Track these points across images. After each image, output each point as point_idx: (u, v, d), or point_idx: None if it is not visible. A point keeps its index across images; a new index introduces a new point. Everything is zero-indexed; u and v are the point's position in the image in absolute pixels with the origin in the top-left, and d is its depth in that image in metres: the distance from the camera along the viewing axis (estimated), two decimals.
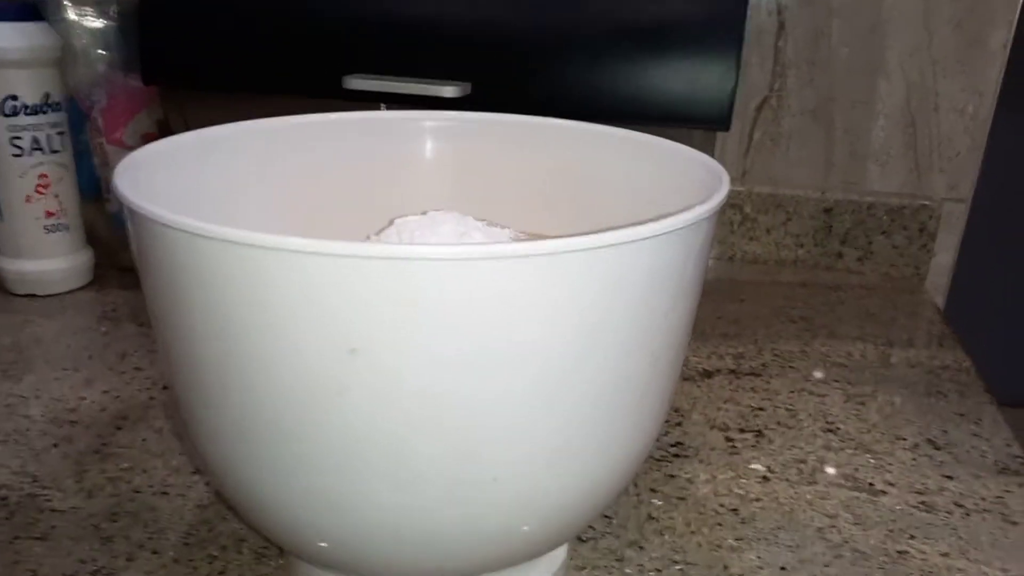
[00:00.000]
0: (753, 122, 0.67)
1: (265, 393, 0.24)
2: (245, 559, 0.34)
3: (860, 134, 0.66)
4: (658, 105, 0.49)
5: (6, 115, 0.54)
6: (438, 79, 0.51)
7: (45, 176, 0.56)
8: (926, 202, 0.65)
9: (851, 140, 0.66)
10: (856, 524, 0.37)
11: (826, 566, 0.35)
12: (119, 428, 0.42)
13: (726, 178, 0.29)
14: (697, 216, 0.25)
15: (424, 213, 0.35)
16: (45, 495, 0.37)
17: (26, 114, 0.54)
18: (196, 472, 0.39)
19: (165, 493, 0.38)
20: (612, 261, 0.23)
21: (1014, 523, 0.38)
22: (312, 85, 0.54)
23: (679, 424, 0.45)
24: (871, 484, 0.40)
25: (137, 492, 0.38)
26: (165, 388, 0.46)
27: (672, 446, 0.43)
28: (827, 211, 0.67)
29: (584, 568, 0.34)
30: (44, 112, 0.55)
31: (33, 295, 0.57)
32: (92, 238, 0.61)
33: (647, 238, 0.23)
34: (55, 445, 0.41)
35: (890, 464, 0.42)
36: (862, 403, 0.48)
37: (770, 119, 0.67)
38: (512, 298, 0.22)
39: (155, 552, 0.34)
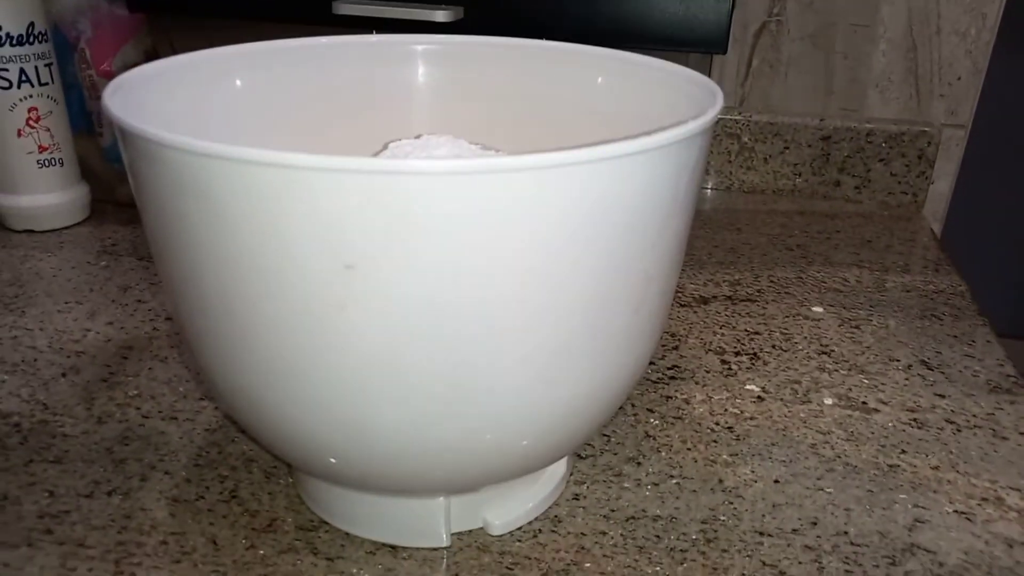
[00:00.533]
0: (752, 48, 0.66)
1: (268, 312, 0.25)
2: (255, 477, 0.35)
3: (861, 59, 0.65)
4: (653, 28, 0.49)
5: None
6: (430, 3, 0.50)
7: (35, 109, 0.55)
8: (925, 128, 0.65)
9: (851, 66, 0.65)
10: (848, 440, 0.38)
11: (818, 479, 0.36)
12: (125, 358, 0.43)
13: (719, 95, 0.29)
14: (689, 131, 0.25)
15: (418, 137, 0.34)
16: (56, 421, 0.38)
17: (11, 45, 0.53)
18: (203, 398, 0.40)
19: (174, 418, 0.38)
20: (604, 175, 0.23)
21: (1004, 438, 0.39)
22: (301, 10, 0.53)
23: (676, 348, 0.46)
24: (864, 403, 0.41)
25: (146, 418, 0.38)
26: (168, 319, 0.47)
27: (669, 369, 0.44)
28: (825, 139, 0.66)
29: (584, 483, 0.35)
30: (29, 43, 0.54)
31: (31, 231, 0.57)
32: (86, 173, 0.60)
33: (640, 152, 0.23)
34: (63, 375, 0.42)
35: (883, 384, 0.43)
36: (856, 327, 0.48)
37: (769, 45, 0.66)
38: (504, 212, 0.22)
39: (167, 473, 0.35)
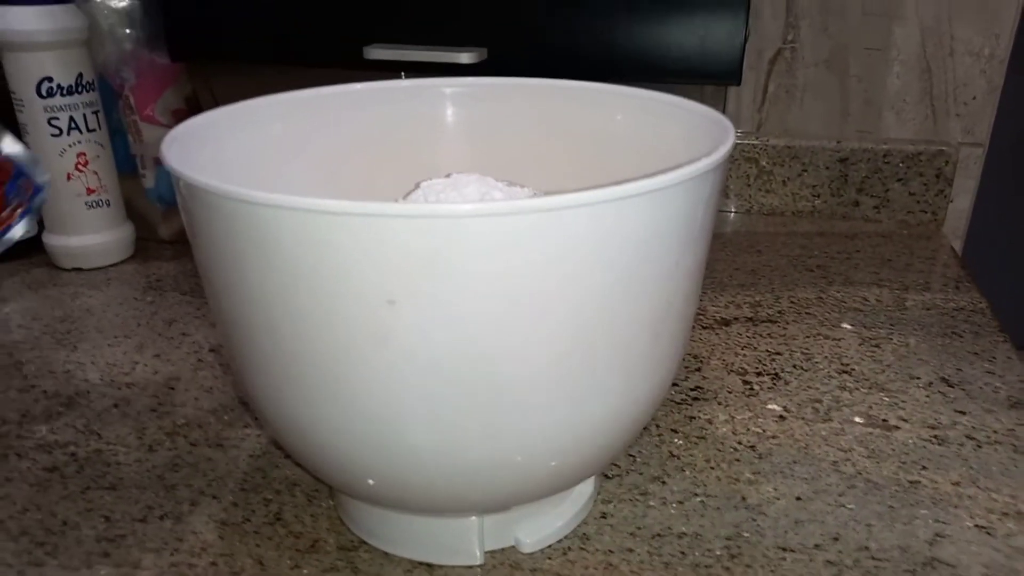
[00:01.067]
0: (767, 74, 0.68)
1: (314, 345, 0.27)
2: (298, 500, 0.37)
3: (875, 82, 0.66)
4: (669, 62, 0.51)
5: (42, 97, 0.56)
6: (455, 46, 0.53)
7: (83, 155, 0.59)
8: (943, 147, 0.66)
9: (866, 88, 0.66)
10: (869, 457, 0.39)
11: (840, 495, 0.37)
12: (172, 389, 0.45)
13: (731, 131, 0.30)
14: (703, 168, 0.26)
15: (448, 176, 0.36)
16: (110, 450, 0.40)
17: (61, 95, 0.57)
18: (247, 426, 0.42)
19: (220, 446, 0.41)
20: (625, 212, 0.25)
21: None
22: (333, 55, 0.56)
23: (698, 370, 0.47)
24: (885, 420, 0.42)
25: (194, 445, 0.41)
26: (212, 351, 0.49)
27: (692, 390, 0.45)
28: (843, 160, 0.67)
29: (611, 502, 0.37)
30: (78, 92, 0.57)
31: (79, 268, 0.60)
32: (130, 212, 0.64)
33: (654, 191, 0.25)
34: (115, 406, 0.44)
35: (904, 401, 0.44)
36: (877, 345, 0.49)
37: (784, 70, 0.67)
38: (528, 248, 0.24)
39: (215, 497, 0.37)
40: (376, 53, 0.51)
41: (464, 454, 0.29)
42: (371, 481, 0.30)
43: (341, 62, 0.54)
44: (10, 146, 0.41)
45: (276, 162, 0.36)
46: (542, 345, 0.26)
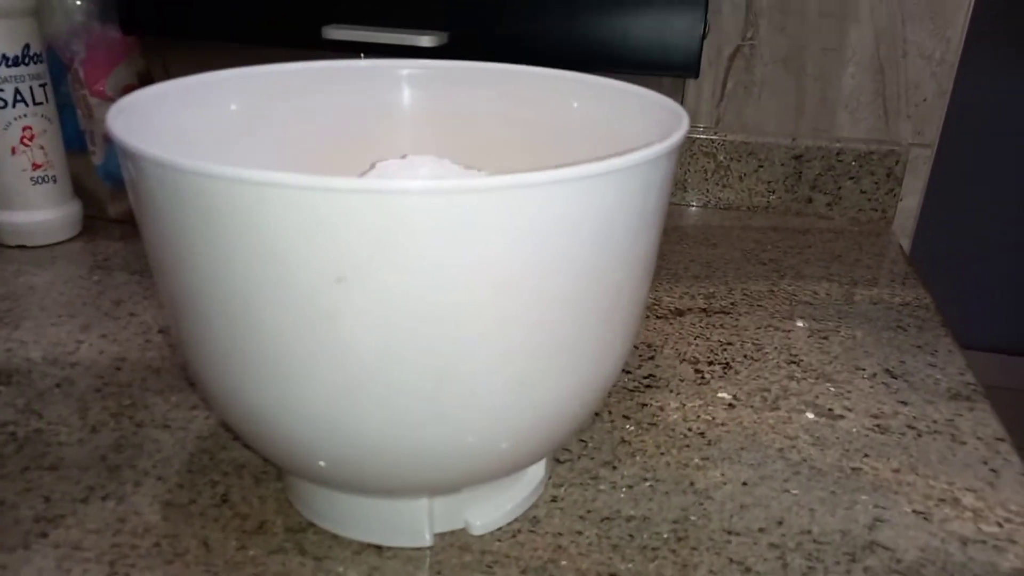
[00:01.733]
0: (726, 71, 0.69)
1: (262, 322, 0.26)
2: (246, 483, 0.36)
3: (830, 81, 0.67)
4: (629, 53, 0.51)
5: None
6: (416, 29, 0.52)
7: (29, 128, 0.57)
8: (894, 147, 0.67)
9: (821, 87, 0.68)
10: (814, 445, 0.40)
11: (785, 481, 0.38)
12: (118, 369, 0.44)
13: (685, 118, 0.31)
14: (655, 153, 0.27)
15: (404, 157, 0.36)
16: (51, 430, 0.39)
17: (7, 66, 0.55)
18: (195, 408, 0.41)
19: (167, 427, 0.40)
20: (576, 193, 0.25)
21: (962, 443, 0.41)
22: (292, 35, 0.55)
23: (651, 358, 0.47)
24: (830, 410, 0.43)
25: (139, 426, 0.40)
26: (161, 332, 0.48)
27: (645, 378, 0.45)
28: (797, 158, 0.69)
29: (562, 486, 0.37)
30: (24, 64, 0.56)
31: (23, 246, 0.58)
32: (78, 190, 0.62)
33: (609, 172, 0.25)
34: (57, 385, 0.43)
35: (849, 392, 0.45)
36: (825, 337, 0.50)
37: (743, 68, 0.68)
38: (481, 228, 0.24)
39: (160, 478, 0.36)
40: (335, 33, 0.50)
41: (414, 435, 0.28)
42: (322, 463, 0.30)
43: (299, 42, 0.53)
44: None
45: (228, 138, 0.35)
46: (492, 327, 0.26)
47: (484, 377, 0.27)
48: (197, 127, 0.34)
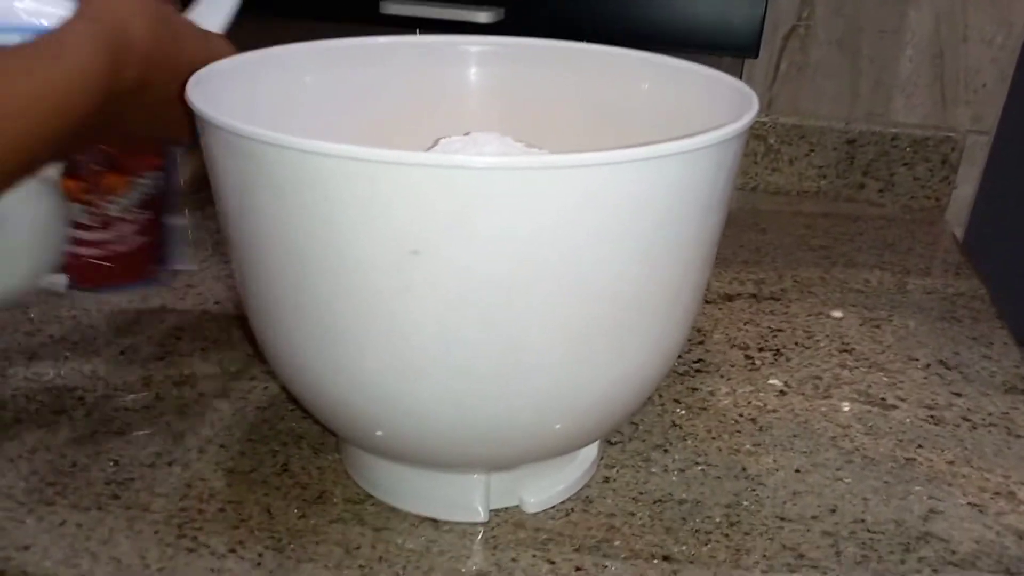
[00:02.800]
0: (780, 52, 0.67)
1: (334, 292, 0.27)
2: (304, 452, 0.37)
3: (887, 64, 0.66)
4: (687, 31, 0.50)
5: None
6: (472, 4, 0.52)
7: None
8: (950, 134, 0.66)
9: (877, 70, 0.66)
10: (867, 434, 0.40)
11: (838, 469, 0.38)
12: (178, 339, 0.46)
13: (755, 100, 0.30)
14: (728, 134, 0.27)
15: (467, 134, 0.36)
16: (118, 396, 0.40)
17: None
18: (253, 379, 0.42)
19: (227, 396, 0.41)
20: (648, 174, 0.25)
21: (1018, 436, 0.40)
22: (348, 9, 0.55)
23: (701, 343, 0.47)
24: (883, 399, 0.43)
25: (202, 395, 0.41)
26: (217, 303, 0.49)
27: (695, 362, 0.45)
28: (850, 142, 0.68)
29: (614, 467, 0.37)
30: None
31: None
32: None
33: (681, 153, 0.25)
34: (121, 353, 0.44)
35: (902, 382, 0.45)
36: (877, 326, 0.50)
37: (797, 48, 0.67)
38: (552, 206, 0.24)
39: (222, 446, 0.37)
40: (393, 8, 0.50)
41: (474, 409, 0.29)
42: (379, 432, 0.31)
43: (357, 16, 0.54)
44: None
45: (297, 112, 0.36)
46: (558, 305, 0.27)
47: (546, 356, 0.28)
48: (271, 99, 0.34)
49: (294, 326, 0.29)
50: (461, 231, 0.24)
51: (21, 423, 0.38)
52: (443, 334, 0.26)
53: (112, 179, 0.39)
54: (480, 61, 0.39)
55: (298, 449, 0.37)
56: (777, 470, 0.37)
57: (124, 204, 0.39)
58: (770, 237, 0.62)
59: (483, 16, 0.49)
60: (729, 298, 0.53)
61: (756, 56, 0.50)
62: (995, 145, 0.67)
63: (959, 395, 0.44)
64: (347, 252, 0.25)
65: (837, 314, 0.51)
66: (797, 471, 0.37)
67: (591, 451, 0.36)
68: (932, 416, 0.42)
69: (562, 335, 0.27)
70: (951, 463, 0.39)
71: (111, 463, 0.36)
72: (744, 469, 0.37)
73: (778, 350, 0.47)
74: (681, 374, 0.44)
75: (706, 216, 0.28)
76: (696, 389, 0.43)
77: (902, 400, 0.43)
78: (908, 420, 0.41)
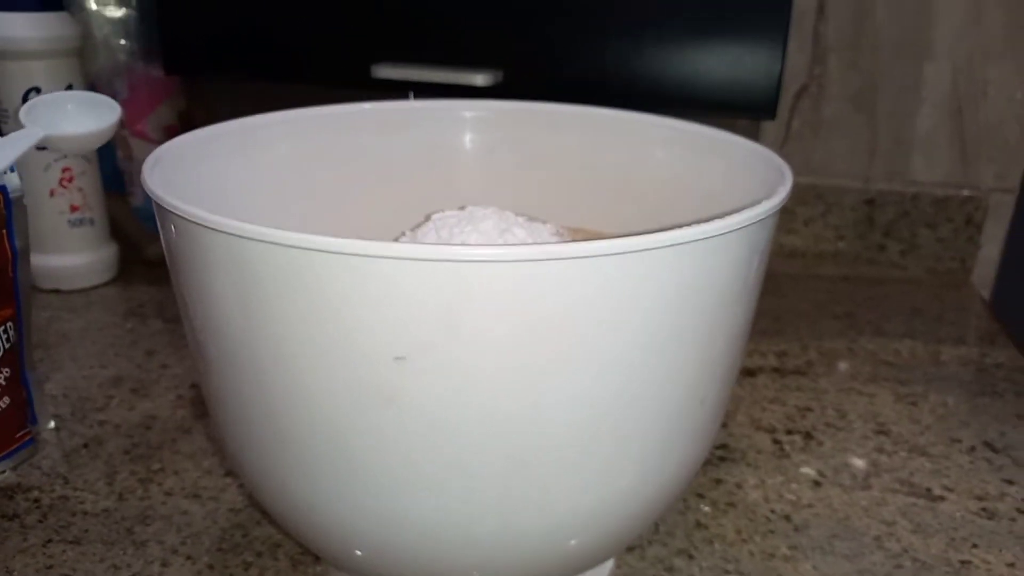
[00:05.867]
0: (791, 110, 0.65)
1: (307, 401, 0.23)
2: (281, 565, 0.33)
3: (904, 121, 0.63)
4: (699, 92, 0.48)
5: None
6: (468, 66, 0.50)
7: (68, 170, 0.55)
8: (973, 192, 0.63)
9: (895, 127, 0.64)
10: (915, 532, 0.36)
11: None
12: (148, 428, 0.41)
13: (788, 172, 0.27)
14: (763, 212, 0.23)
15: (463, 208, 0.33)
16: (77, 497, 0.36)
17: None
18: (228, 474, 0.38)
19: (197, 496, 0.37)
20: (674, 261, 0.22)
21: None
22: (339, 73, 0.53)
23: (724, 426, 0.43)
24: (928, 489, 0.39)
25: (169, 495, 0.37)
26: (193, 387, 0.45)
27: (718, 449, 0.41)
28: (869, 202, 0.64)
29: None
30: None
31: (58, 290, 0.56)
32: (116, 232, 0.60)
33: (713, 236, 0.22)
34: (85, 446, 0.40)
35: (947, 468, 0.40)
36: (914, 403, 0.46)
37: (809, 107, 0.64)
38: (558, 301, 0.21)
39: (189, 558, 0.33)
40: (385, 72, 0.48)
41: (472, 529, 0.25)
42: (358, 552, 0.27)
43: (347, 81, 0.51)
44: None
45: (274, 186, 0.32)
46: (570, 409, 0.23)
47: (557, 465, 0.24)
48: (240, 175, 0.31)
49: (261, 431, 0.25)
50: (453, 332, 0.20)
51: None
52: (435, 452, 0.22)
53: None
54: (476, 127, 0.36)
55: (274, 560, 0.33)
56: None
57: None
58: (790, 303, 0.58)
59: (480, 79, 0.47)
60: (751, 373, 0.49)
61: (773, 117, 0.47)
62: (1020, 203, 0.64)
63: (1011, 483, 0.39)
64: (323, 356, 0.22)
65: (871, 386, 0.47)
66: None
67: (605, 563, 0.32)
68: (984, 509, 0.37)
69: (575, 445, 0.23)
70: (1011, 565, 0.34)
71: None
72: None
73: (808, 433, 0.43)
74: (704, 464, 0.40)
75: (737, 304, 0.25)
76: (721, 481, 0.39)
77: (949, 490, 0.39)
78: (959, 514, 0.37)
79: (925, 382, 0.48)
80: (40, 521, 0.35)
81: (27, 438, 0.38)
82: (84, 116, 0.35)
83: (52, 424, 0.41)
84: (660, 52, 0.47)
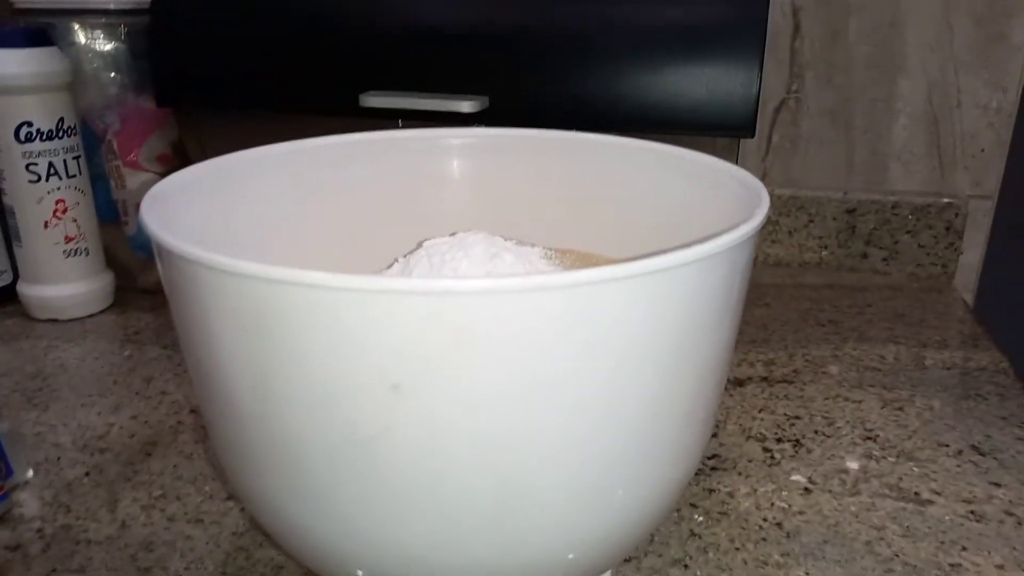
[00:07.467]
0: (771, 124, 0.66)
1: (304, 431, 0.24)
2: None
3: (881, 133, 0.65)
4: (680, 113, 0.49)
5: (21, 142, 0.54)
6: (455, 94, 0.51)
7: (62, 201, 0.56)
8: (951, 200, 0.64)
9: (872, 140, 0.65)
10: (905, 536, 0.37)
11: None
12: (149, 454, 0.42)
13: (765, 194, 0.28)
14: (743, 235, 0.24)
15: (453, 234, 0.34)
16: (80, 525, 0.37)
17: (41, 140, 0.54)
18: (230, 498, 0.39)
19: (200, 520, 0.37)
20: (657, 286, 0.23)
21: None
22: (328, 103, 0.54)
23: (715, 436, 0.44)
24: (917, 494, 0.40)
25: (172, 520, 0.37)
26: (192, 412, 0.46)
27: (710, 459, 0.42)
28: (850, 212, 0.66)
29: None
30: (59, 137, 0.55)
31: (55, 320, 0.57)
32: (110, 261, 0.61)
33: (695, 261, 0.23)
34: (87, 474, 0.40)
35: (935, 472, 0.41)
36: (900, 409, 0.47)
37: (788, 121, 0.66)
38: (553, 328, 0.21)
39: None
40: (373, 101, 0.49)
41: (469, 548, 0.25)
42: (360, 573, 0.27)
43: (335, 110, 0.52)
44: None
45: (267, 220, 0.33)
46: (564, 432, 0.24)
47: (552, 489, 0.24)
48: (231, 211, 0.32)
49: (260, 458, 0.25)
50: (449, 360, 0.21)
51: None
52: (430, 476, 0.23)
53: None
54: (463, 154, 0.37)
55: None
56: None
57: None
58: (775, 312, 0.59)
59: (466, 106, 0.48)
60: (740, 383, 0.49)
61: (753, 136, 0.48)
62: (999, 209, 0.65)
63: (998, 485, 0.40)
64: (320, 387, 0.22)
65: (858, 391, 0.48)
66: None
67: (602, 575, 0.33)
68: (972, 512, 0.38)
69: (570, 467, 0.24)
70: (1000, 567, 0.35)
71: None
72: None
73: (798, 440, 0.44)
74: (697, 473, 0.41)
75: (721, 324, 0.25)
76: (713, 490, 0.40)
77: (937, 494, 0.40)
78: (947, 518, 0.38)
79: (910, 387, 0.49)
80: (44, 551, 0.35)
81: (1, 493, 0.37)
82: None
83: (30, 473, 0.40)
84: (640, 77, 0.48)
